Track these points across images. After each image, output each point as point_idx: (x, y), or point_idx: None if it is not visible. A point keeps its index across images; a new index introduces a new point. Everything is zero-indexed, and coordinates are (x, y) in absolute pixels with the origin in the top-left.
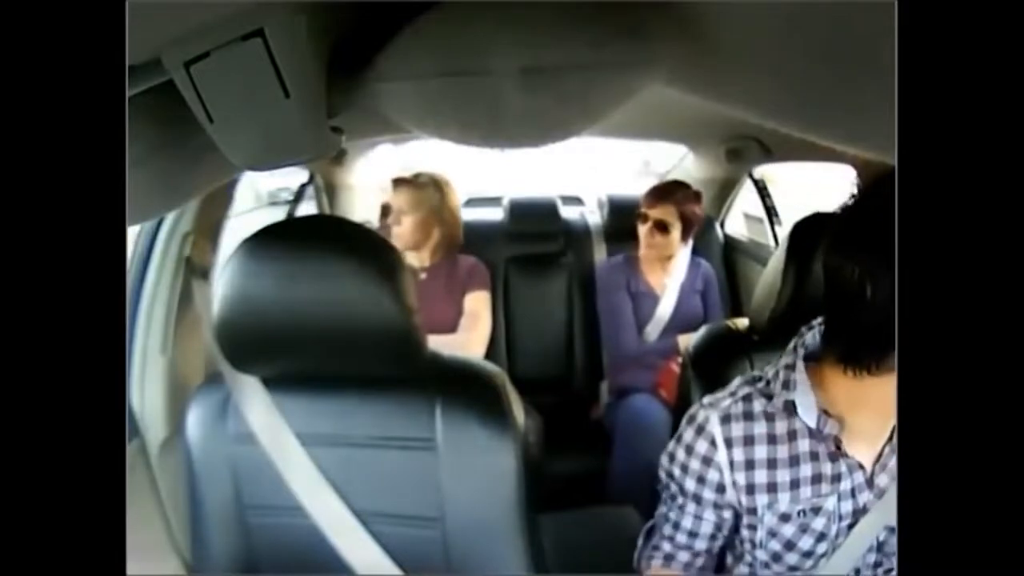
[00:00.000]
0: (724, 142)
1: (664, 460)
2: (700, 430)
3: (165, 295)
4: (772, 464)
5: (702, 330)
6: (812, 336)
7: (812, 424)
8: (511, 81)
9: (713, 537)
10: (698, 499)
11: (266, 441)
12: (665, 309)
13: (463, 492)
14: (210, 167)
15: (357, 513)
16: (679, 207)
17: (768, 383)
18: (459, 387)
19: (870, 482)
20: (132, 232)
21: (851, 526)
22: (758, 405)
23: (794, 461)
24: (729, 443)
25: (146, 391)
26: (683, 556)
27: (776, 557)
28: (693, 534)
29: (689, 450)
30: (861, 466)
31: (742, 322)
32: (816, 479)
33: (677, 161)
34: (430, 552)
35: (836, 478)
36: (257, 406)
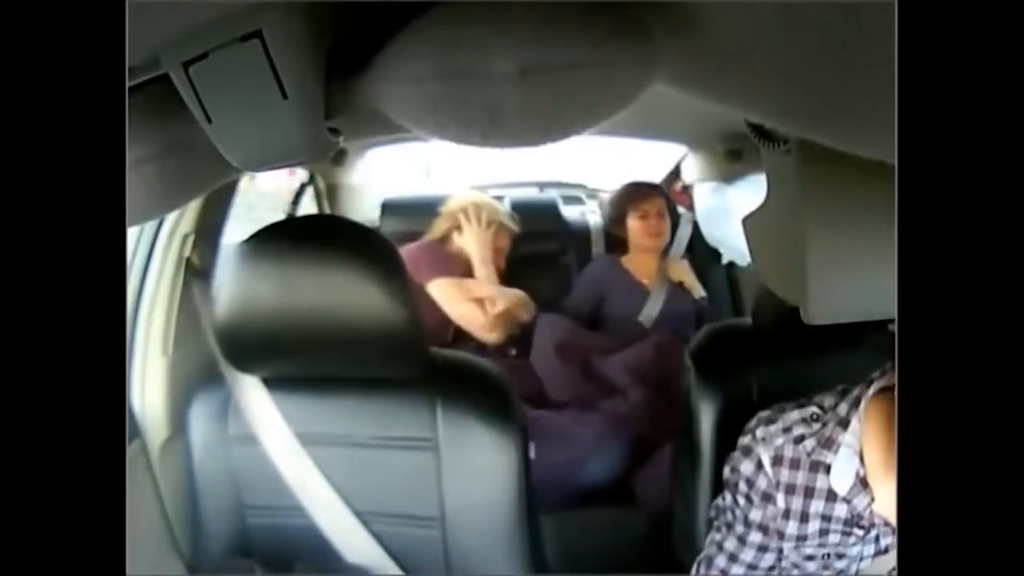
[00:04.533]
0: (724, 142)
1: (726, 492)
2: (760, 466)
3: (165, 296)
4: (804, 518)
5: (703, 330)
6: (885, 380)
7: (841, 492)
8: (511, 81)
9: (772, 568)
10: (764, 529)
11: (266, 441)
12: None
13: (463, 492)
14: (212, 168)
15: (357, 513)
16: (665, 200)
17: (824, 425)
18: (460, 387)
19: (896, 530)
20: (132, 233)
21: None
22: (807, 451)
23: (826, 519)
24: (778, 486)
25: (147, 391)
26: None
27: None
28: (753, 567)
29: (750, 484)
30: (888, 523)
31: (745, 321)
32: (847, 533)
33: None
34: (430, 552)
35: (866, 532)
36: (258, 406)
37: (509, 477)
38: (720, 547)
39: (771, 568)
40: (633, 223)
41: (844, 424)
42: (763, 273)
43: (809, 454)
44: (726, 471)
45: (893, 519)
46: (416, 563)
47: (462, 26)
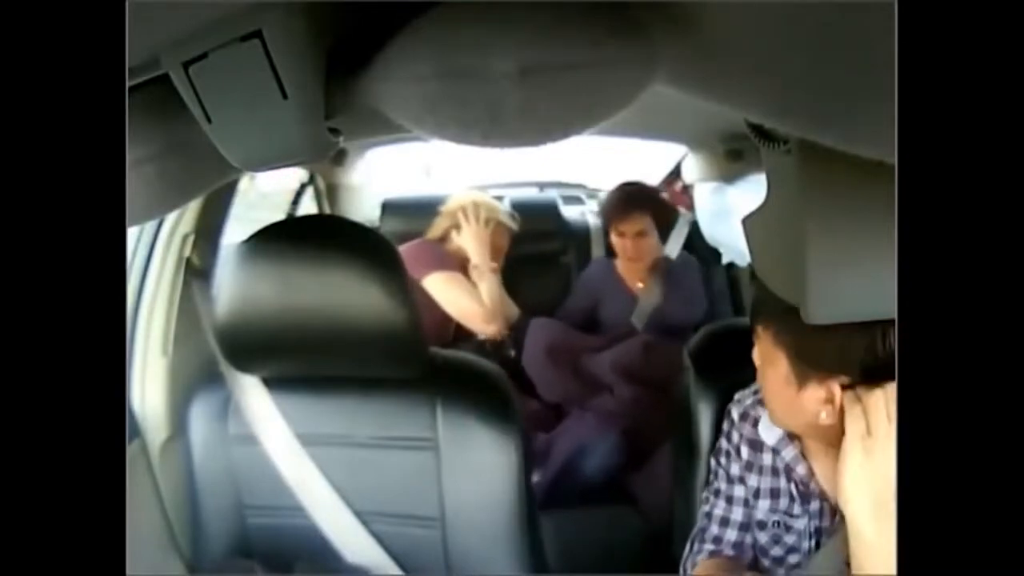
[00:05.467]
0: (724, 142)
1: (711, 461)
2: (732, 424)
3: (165, 296)
4: (762, 471)
5: (702, 330)
6: None
7: (770, 443)
8: (511, 81)
9: (762, 527)
10: (744, 482)
11: (266, 441)
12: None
13: (463, 492)
14: (212, 168)
15: (357, 513)
16: (652, 213)
17: None
18: (459, 387)
19: (835, 511)
20: (132, 233)
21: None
22: (754, 408)
23: (776, 472)
24: (741, 438)
25: (147, 391)
26: (729, 552)
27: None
28: (745, 527)
29: (728, 439)
30: (824, 495)
31: (745, 321)
32: (791, 497)
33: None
34: (430, 552)
35: (806, 499)
36: (258, 406)
37: (509, 477)
38: (710, 516)
39: (761, 526)
40: (614, 238)
41: None
42: (763, 273)
43: (756, 411)
44: (716, 446)
45: (830, 490)
46: (416, 563)
47: (462, 26)
